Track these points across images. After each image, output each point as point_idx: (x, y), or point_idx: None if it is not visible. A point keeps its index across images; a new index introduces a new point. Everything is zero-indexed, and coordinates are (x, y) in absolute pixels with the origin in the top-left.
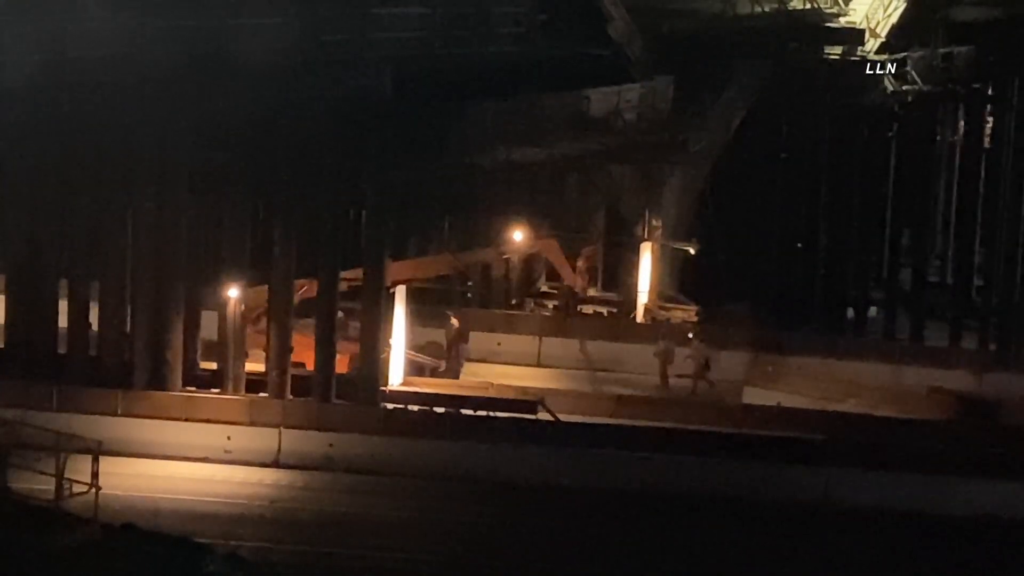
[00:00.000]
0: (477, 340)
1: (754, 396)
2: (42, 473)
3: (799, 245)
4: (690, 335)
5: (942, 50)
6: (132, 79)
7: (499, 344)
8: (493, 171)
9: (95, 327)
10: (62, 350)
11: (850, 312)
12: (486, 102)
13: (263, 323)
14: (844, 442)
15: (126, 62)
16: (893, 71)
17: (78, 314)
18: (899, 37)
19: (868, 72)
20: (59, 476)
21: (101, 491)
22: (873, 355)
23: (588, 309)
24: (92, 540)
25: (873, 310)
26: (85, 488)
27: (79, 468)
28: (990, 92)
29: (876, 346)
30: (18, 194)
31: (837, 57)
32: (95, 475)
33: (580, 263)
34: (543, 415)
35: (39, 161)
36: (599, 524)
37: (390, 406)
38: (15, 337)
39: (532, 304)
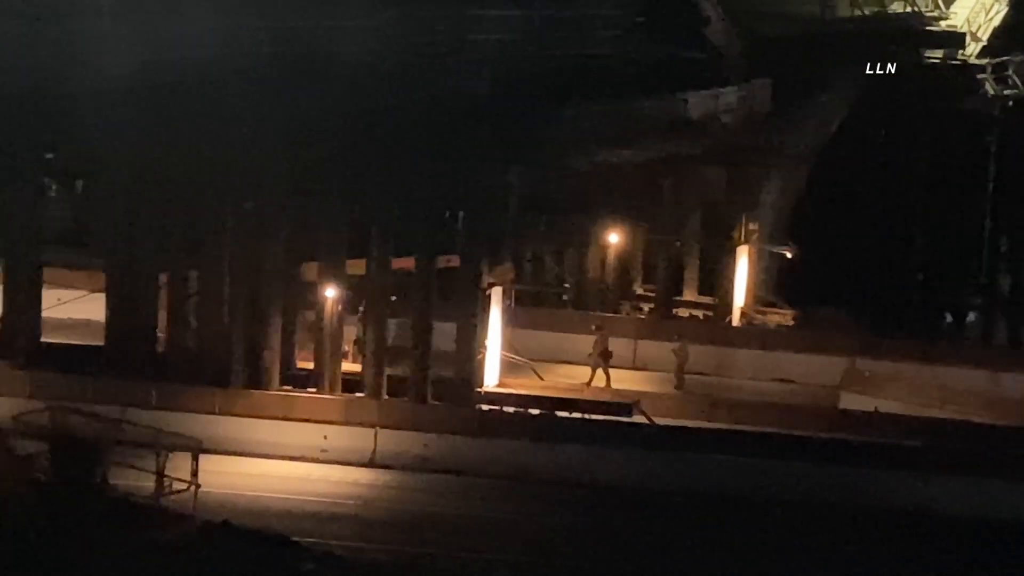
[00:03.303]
0: (572, 342)
1: (851, 401)
2: (142, 470)
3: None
4: (593, 327)
5: None
6: (230, 79)
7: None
8: (589, 173)
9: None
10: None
11: (948, 317)
12: (582, 104)
13: None
14: (941, 448)
15: (225, 62)
16: (994, 75)
17: (177, 313)
18: (1000, 41)
19: (968, 76)
20: (159, 473)
21: (199, 488)
22: (971, 361)
23: (684, 312)
24: (190, 537)
25: (971, 315)
26: (184, 486)
27: (177, 465)
28: None
29: (974, 352)
30: (119, 194)
31: (937, 61)
32: (195, 473)
33: None
34: (638, 417)
35: (139, 161)
36: (693, 528)
37: (485, 407)
38: (116, 335)
39: (628, 307)
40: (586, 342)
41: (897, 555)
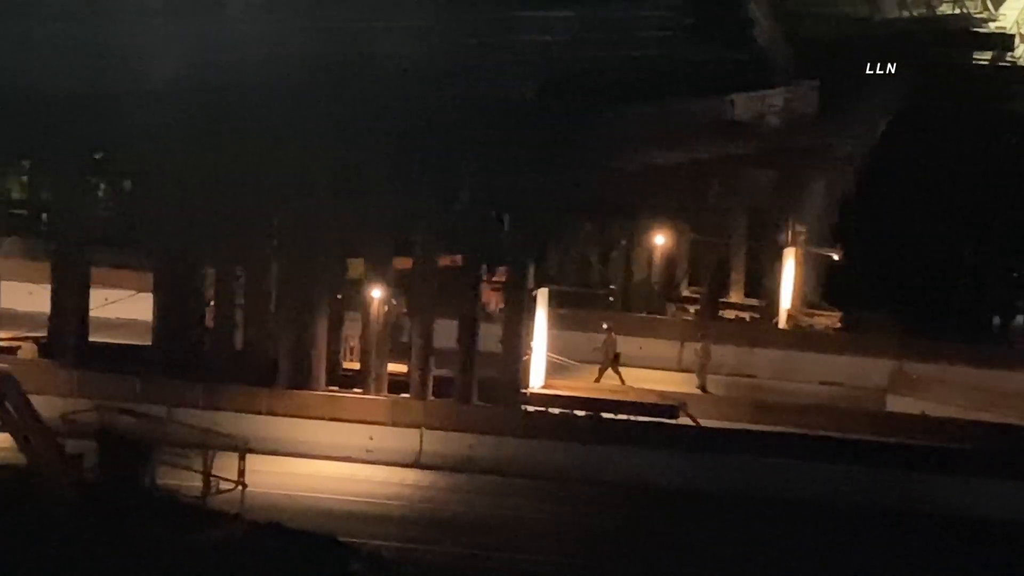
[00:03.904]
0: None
1: (898, 404)
2: (189, 470)
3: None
4: (604, 325)
5: None
6: (276, 80)
7: (640, 348)
8: (634, 174)
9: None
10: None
11: (996, 320)
12: (630, 106)
13: None
14: (989, 452)
15: (270, 63)
16: None
17: (224, 313)
18: None
19: (1017, 77)
20: (207, 473)
21: (246, 488)
22: (1019, 364)
23: (730, 314)
24: (237, 537)
25: (1020, 318)
26: (232, 485)
27: (224, 465)
28: None
29: (1022, 355)
30: (166, 195)
31: (986, 62)
32: (242, 473)
33: None
34: (683, 420)
35: (187, 161)
36: (737, 530)
37: (530, 408)
38: (163, 335)
39: (674, 308)
40: (630, 344)
41: (944, 560)
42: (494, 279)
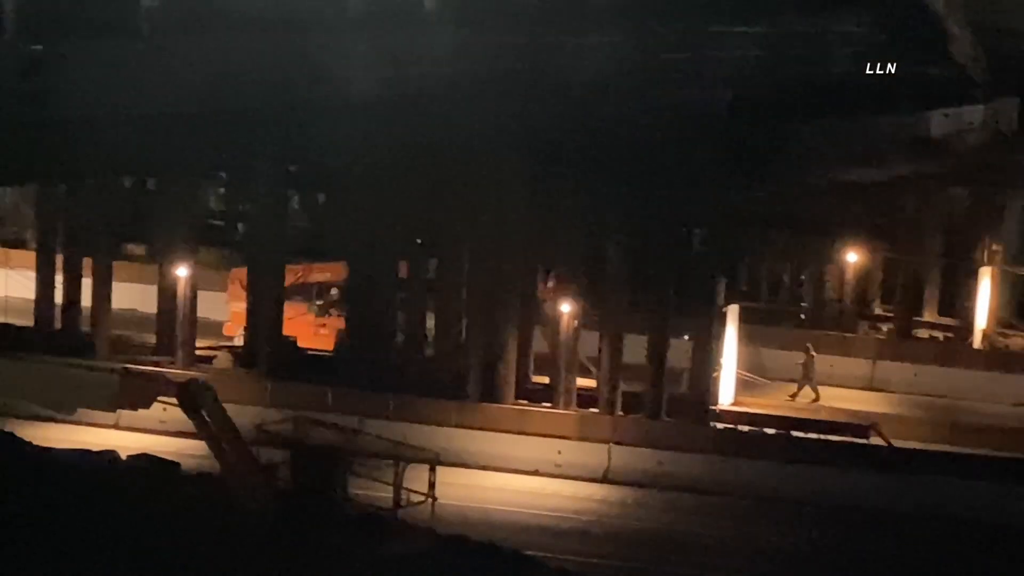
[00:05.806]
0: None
1: None
2: (380, 481)
3: None
4: (807, 345)
5: None
6: (469, 93)
7: (831, 366)
8: (827, 190)
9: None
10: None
11: None
12: (822, 121)
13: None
14: None
15: (465, 78)
16: None
17: (414, 326)
18: None
19: None
20: (398, 485)
21: (436, 501)
22: None
23: (924, 333)
24: (427, 550)
25: None
26: (422, 498)
27: (412, 477)
28: None
29: None
30: (359, 207)
31: None
32: (432, 485)
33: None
34: (875, 439)
35: (379, 175)
36: (927, 553)
37: (720, 426)
38: (354, 346)
39: (866, 326)
40: (821, 362)
41: None
42: (548, 284)
